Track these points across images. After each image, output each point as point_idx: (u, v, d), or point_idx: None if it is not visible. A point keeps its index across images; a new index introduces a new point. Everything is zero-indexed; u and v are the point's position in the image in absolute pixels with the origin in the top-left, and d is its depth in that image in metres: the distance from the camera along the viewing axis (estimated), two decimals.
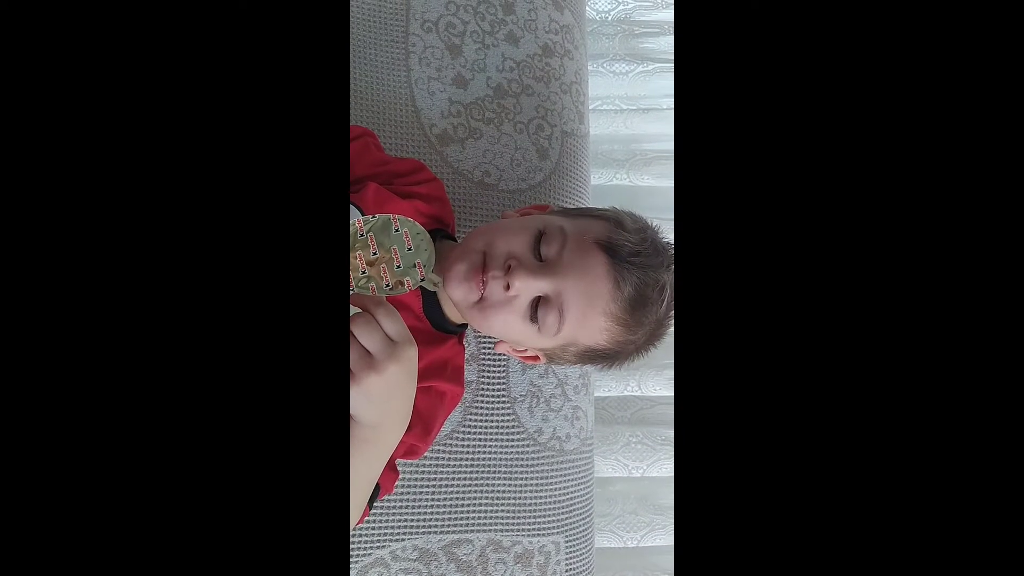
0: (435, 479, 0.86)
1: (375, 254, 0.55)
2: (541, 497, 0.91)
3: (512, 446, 0.90)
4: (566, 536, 0.93)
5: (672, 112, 1.39)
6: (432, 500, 0.85)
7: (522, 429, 0.91)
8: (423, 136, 0.92)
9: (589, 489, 0.98)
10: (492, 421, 0.89)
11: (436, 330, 0.79)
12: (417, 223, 0.56)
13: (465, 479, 0.87)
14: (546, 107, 0.99)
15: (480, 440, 0.88)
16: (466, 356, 0.86)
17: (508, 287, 0.68)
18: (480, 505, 0.87)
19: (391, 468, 0.74)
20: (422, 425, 0.76)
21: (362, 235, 0.55)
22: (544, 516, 0.91)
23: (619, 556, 1.35)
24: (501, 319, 0.71)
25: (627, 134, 1.42)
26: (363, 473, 0.62)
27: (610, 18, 1.39)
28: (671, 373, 1.32)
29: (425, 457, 0.84)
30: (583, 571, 0.95)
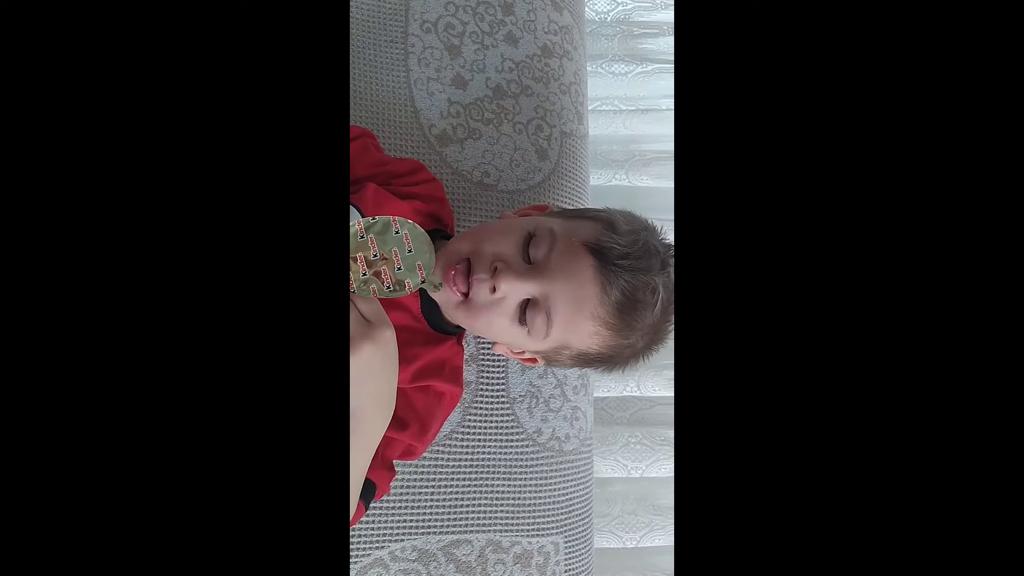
0: (434, 480, 0.86)
1: (376, 256, 0.55)
2: (540, 497, 0.91)
3: (511, 446, 0.90)
4: (565, 536, 0.93)
5: (671, 113, 1.40)
6: (431, 501, 0.85)
7: (521, 429, 0.91)
8: (422, 137, 0.93)
9: (588, 489, 0.98)
10: (491, 421, 0.89)
11: (434, 331, 0.79)
12: (417, 225, 0.56)
13: (464, 479, 0.87)
14: (545, 108, 0.99)
15: (479, 440, 0.88)
16: (465, 357, 0.86)
17: (494, 289, 0.68)
18: (479, 506, 0.87)
19: (387, 468, 0.74)
20: (419, 425, 0.75)
21: (362, 237, 0.55)
22: (543, 517, 0.91)
23: (618, 557, 1.35)
24: (488, 321, 0.71)
25: (626, 135, 1.42)
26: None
27: (609, 19, 1.39)
28: (670, 374, 1.32)
29: (424, 457, 0.84)
30: (582, 572, 0.95)
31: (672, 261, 0.73)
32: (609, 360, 0.76)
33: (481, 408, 0.89)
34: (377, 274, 0.56)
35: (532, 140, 0.97)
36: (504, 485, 0.89)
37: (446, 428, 0.86)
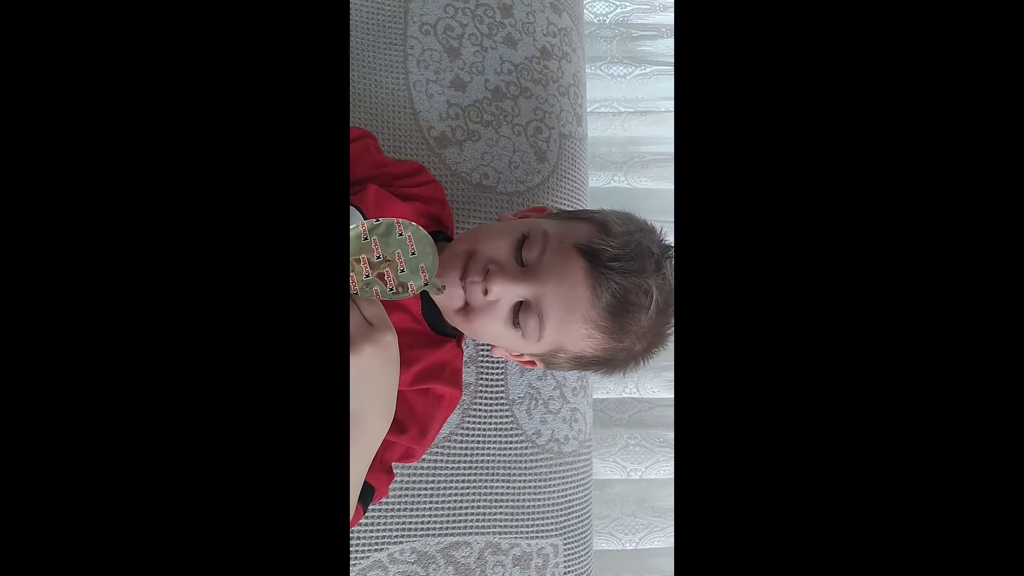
0: (433, 481, 0.85)
1: (379, 258, 0.56)
2: (539, 499, 0.91)
3: (510, 448, 0.90)
4: (564, 538, 0.93)
5: (670, 115, 1.40)
6: (430, 503, 0.85)
7: (520, 431, 0.91)
8: (421, 138, 0.93)
9: (587, 491, 0.98)
10: (490, 423, 0.89)
11: (434, 333, 0.79)
12: (421, 227, 0.56)
13: (463, 481, 0.87)
14: (544, 109, 0.99)
15: (478, 442, 0.88)
16: (464, 358, 0.86)
17: (487, 292, 0.68)
18: (478, 507, 0.87)
19: (386, 470, 0.74)
20: (418, 428, 0.75)
21: (366, 239, 0.55)
22: (542, 518, 0.91)
23: (617, 558, 1.35)
24: (484, 324, 0.71)
25: (625, 136, 1.42)
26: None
27: (608, 21, 1.39)
28: (670, 375, 1.32)
29: (423, 459, 0.84)
30: (581, 573, 0.95)
31: (669, 263, 0.73)
32: (606, 363, 0.76)
33: (480, 410, 0.89)
34: (380, 276, 0.56)
35: (531, 142, 0.97)
36: (503, 487, 0.89)
37: (445, 430, 0.86)
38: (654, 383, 1.34)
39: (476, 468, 0.88)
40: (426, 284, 0.57)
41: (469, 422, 0.88)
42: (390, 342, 0.55)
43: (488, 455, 0.88)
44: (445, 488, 0.86)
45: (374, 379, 0.55)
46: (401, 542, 0.83)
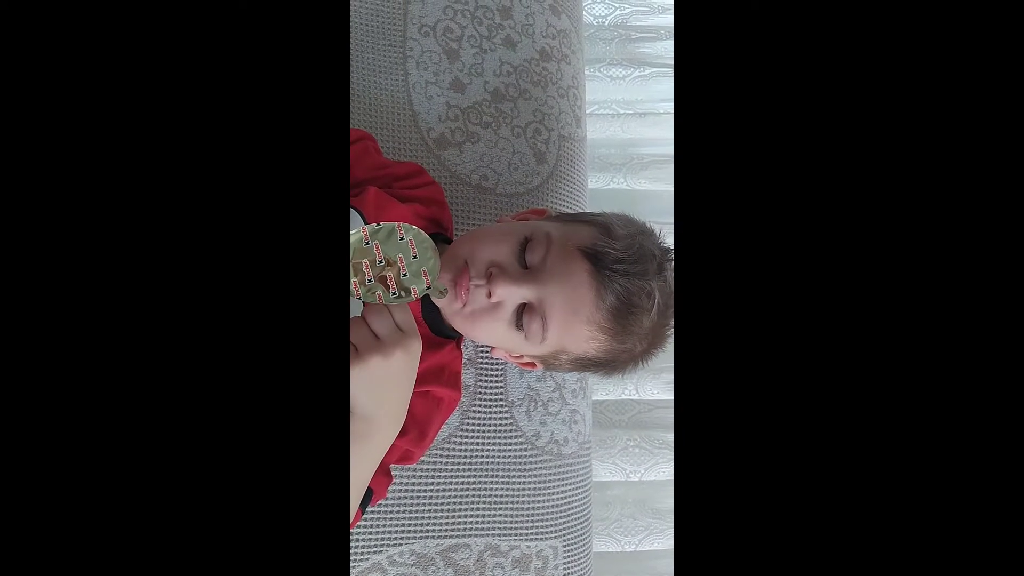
0: (433, 483, 0.85)
1: (381, 262, 0.55)
2: (539, 501, 0.91)
3: (510, 450, 0.90)
4: (564, 540, 0.93)
5: (669, 116, 1.40)
6: (430, 504, 0.85)
7: (520, 433, 0.91)
8: (421, 140, 0.93)
9: (587, 493, 0.98)
10: (490, 425, 0.89)
11: (435, 335, 0.79)
12: (422, 231, 0.56)
13: (463, 483, 0.87)
14: (543, 111, 0.99)
15: (478, 444, 0.88)
16: (464, 360, 0.85)
17: (490, 294, 0.68)
18: (478, 509, 0.87)
19: (384, 472, 0.74)
20: (417, 430, 0.75)
21: (367, 243, 0.55)
22: (542, 520, 0.91)
23: (617, 560, 1.35)
24: (487, 326, 0.71)
25: (624, 138, 1.42)
26: (355, 472, 0.62)
27: (607, 23, 1.39)
28: (669, 377, 1.32)
29: (423, 461, 0.84)
30: (581, 575, 0.95)
31: (670, 265, 0.73)
32: (608, 364, 0.76)
33: (479, 411, 0.89)
34: (383, 280, 0.55)
35: (530, 144, 0.98)
36: (502, 489, 0.89)
37: (444, 432, 0.86)
38: (653, 385, 1.34)
39: (475, 470, 0.88)
40: (429, 288, 0.57)
41: (468, 424, 0.88)
42: (416, 350, 0.56)
43: (487, 457, 0.88)
44: (444, 490, 0.86)
45: (395, 384, 0.56)
46: (400, 544, 0.83)
